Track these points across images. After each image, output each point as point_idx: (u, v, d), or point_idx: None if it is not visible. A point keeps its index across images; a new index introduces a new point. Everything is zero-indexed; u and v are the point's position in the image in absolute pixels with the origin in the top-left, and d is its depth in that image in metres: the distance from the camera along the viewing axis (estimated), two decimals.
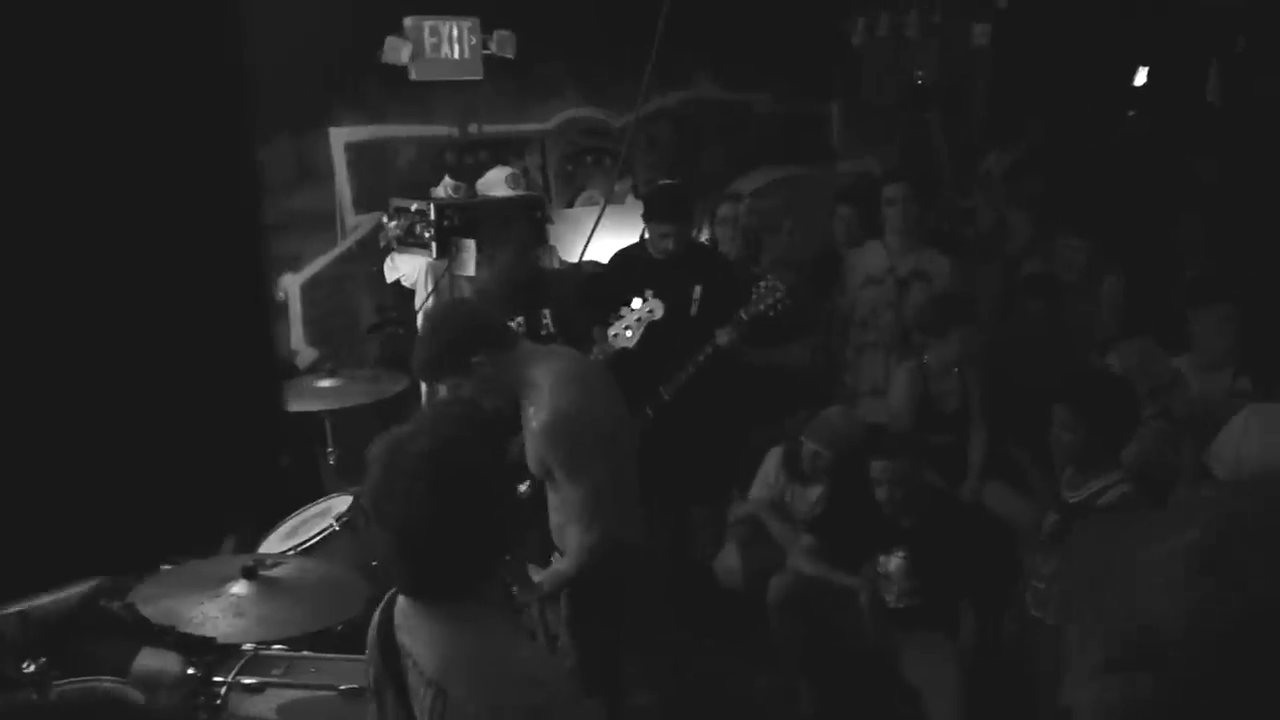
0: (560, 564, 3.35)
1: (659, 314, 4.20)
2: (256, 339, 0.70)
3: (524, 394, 3.20)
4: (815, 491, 4.68)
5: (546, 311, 4.70)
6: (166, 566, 2.78)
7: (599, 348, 4.24)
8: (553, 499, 3.33)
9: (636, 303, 4.26)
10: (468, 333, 3.11)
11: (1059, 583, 3.45)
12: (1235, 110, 6.82)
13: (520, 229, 5.02)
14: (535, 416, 3.13)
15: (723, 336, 4.38)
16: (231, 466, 0.68)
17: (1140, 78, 7.31)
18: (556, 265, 5.50)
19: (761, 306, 4.39)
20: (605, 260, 5.08)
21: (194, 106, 0.66)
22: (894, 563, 4.07)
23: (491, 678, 1.91)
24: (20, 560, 0.58)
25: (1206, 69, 7.04)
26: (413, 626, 2.00)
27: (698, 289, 4.69)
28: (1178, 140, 6.85)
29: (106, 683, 3.03)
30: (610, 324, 4.25)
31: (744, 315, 4.43)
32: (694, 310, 4.68)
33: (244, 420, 0.68)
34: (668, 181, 5.79)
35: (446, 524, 1.91)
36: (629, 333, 4.22)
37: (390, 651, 2.03)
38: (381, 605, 2.11)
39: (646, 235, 4.85)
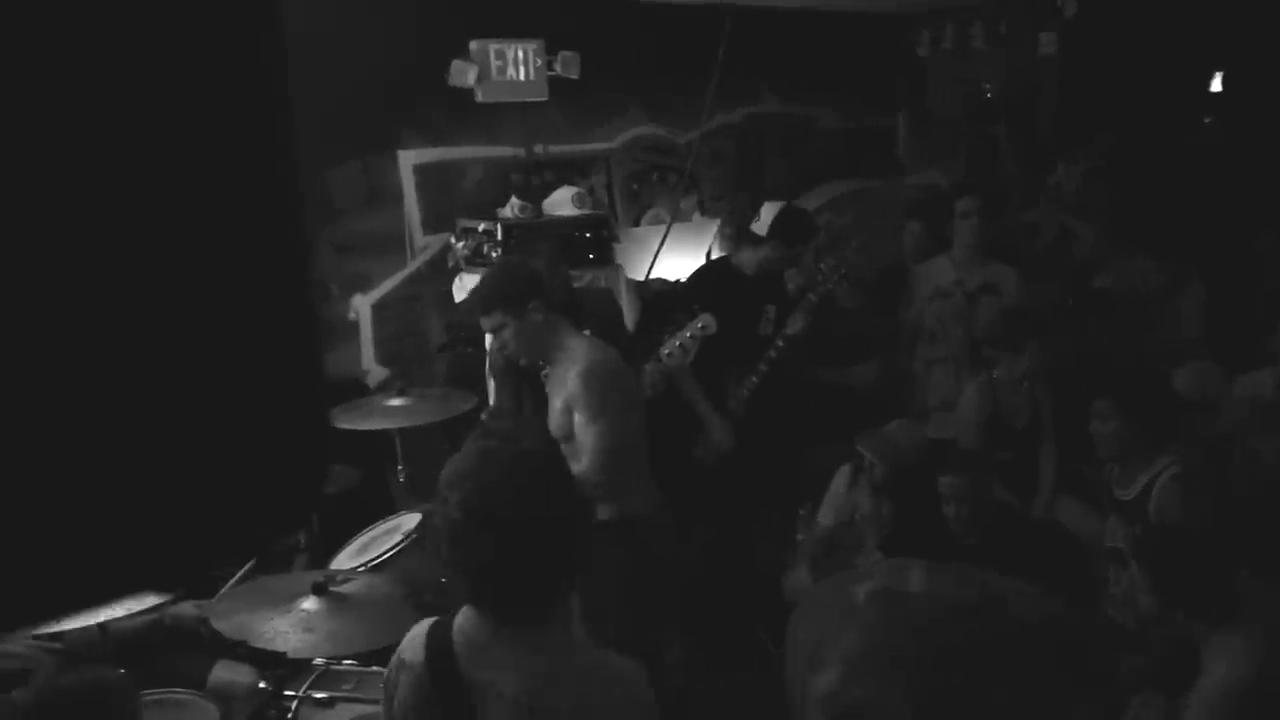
0: None
1: (712, 328, 4.21)
2: (302, 352, 0.71)
3: (554, 357, 3.50)
4: (883, 507, 4.63)
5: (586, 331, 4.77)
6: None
7: (653, 367, 4.28)
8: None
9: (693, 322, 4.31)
10: (531, 281, 3.45)
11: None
12: None
13: (549, 247, 5.06)
14: (570, 368, 3.40)
15: (794, 324, 4.44)
16: (274, 480, 0.69)
17: (1216, 84, 7.15)
18: (623, 284, 5.51)
19: (829, 285, 4.43)
20: (675, 278, 5.12)
21: (234, 118, 0.67)
22: None
23: (578, 683, 1.91)
24: (65, 575, 0.60)
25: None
26: (494, 658, 1.91)
27: (772, 309, 4.73)
28: (1256, 148, 6.70)
29: (179, 694, 3.10)
30: (663, 343, 4.29)
31: (813, 297, 4.47)
32: (766, 329, 4.72)
33: (287, 434, 0.70)
34: (794, 205, 5.76)
35: (557, 525, 1.90)
36: (682, 350, 4.23)
37: (454, 693, 1.92)
38: (427, 654, 1.95)
39: (744, 251, 4.90)
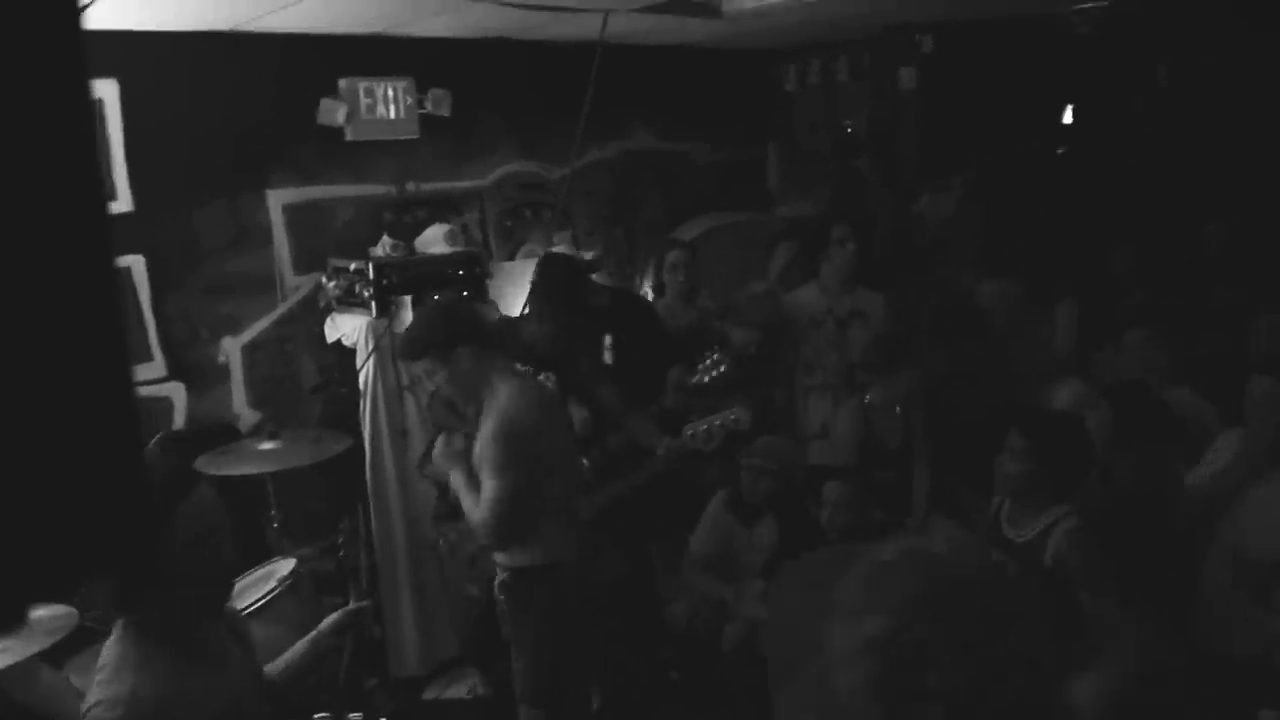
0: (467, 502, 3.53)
1: (745, 425, 4.24)
2: (113, 381, 0.69)
3: (485, 397, 3.49)
4: (763, 532, 4.68)
5: (607, 338, 4.82)
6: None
7: (668, 442, 4.28)
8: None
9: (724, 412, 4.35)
10: (461, 323, 3.50)
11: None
12: (1163, 142, 7.01)
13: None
14: (488, 420, 3.43)
15: (663, 447, 4.37)
16: (88, 517, 0.67)
17: (1068, 116, 7.48)
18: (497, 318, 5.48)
19: (706, 379, 4.46)
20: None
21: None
22: None
23: None
24: None
25: (1133, 103, 7.24)
26: None
27: (608, 337, 4.81)
28: (1106, 175, 7.01)
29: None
30: (690, 422, 4.29)
31: (691, 382, 4.50)
32: (608, 358, 4.77)
33: (90, 475, 0.67)
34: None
35: None
36: (708, 435, 4.25)
37: None
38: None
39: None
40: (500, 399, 3.44)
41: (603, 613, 3.86)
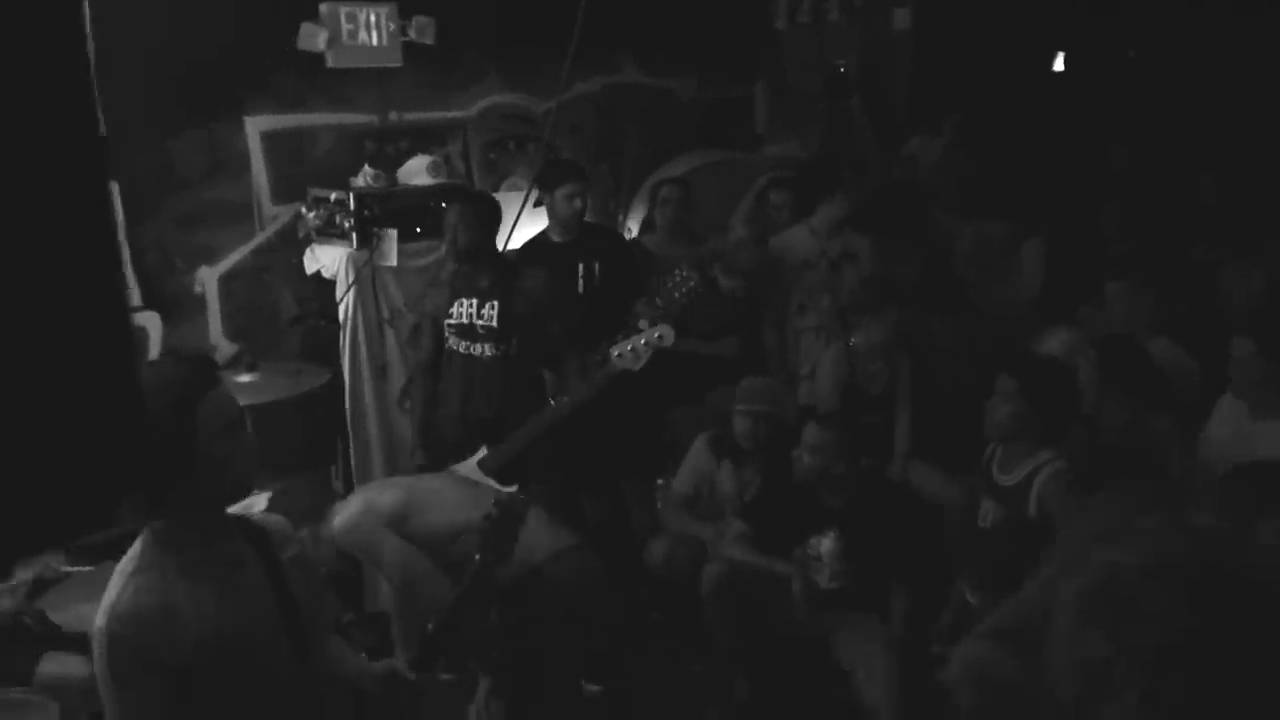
0: None
1: (669, 340, 4.13)
2: (107, 309, 0.66)
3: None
4: (748, 470, 4.66)
5: (580, 267, 4.87)
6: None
7: (600, 364, 4.17)
8: None
9: (643, 324, 4.21)
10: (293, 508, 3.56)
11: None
12: (1156, 88, 6.95)
13: None
14: None
15: (616, 350, 4.15)
16: (87, 457, 0.64)
17: (1059, 63, 7.40)
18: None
19: (676, 295, 4.34)
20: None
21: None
22: (825, 544, 4.07)
23: None
24: None
25: (1125, 54, 7.17)
26: None
27: (581, 266, 4.80)
28: (1095, 127, 6.96)
29: (15, 693, 2.93)
30: (615, 343, 4.17)
31: (658, 302, 4.39)
32: (581, 288, 4.72)
33: (97, 409, 0.64)
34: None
35: None
36: (634, 355, 4.12)
37: None
38: None
39: (549, 212, 4.95)
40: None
41: (602, 603, 3.86)
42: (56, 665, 2.89)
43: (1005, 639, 3.06)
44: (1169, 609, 1.06)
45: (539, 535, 3.58)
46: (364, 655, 2.90)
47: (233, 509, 3.92)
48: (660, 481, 5.19)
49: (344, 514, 3.53)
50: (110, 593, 2.14)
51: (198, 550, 2.23)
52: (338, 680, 2.64)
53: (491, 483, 4.00)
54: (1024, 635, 3.03)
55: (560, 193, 4.85)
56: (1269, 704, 1.05)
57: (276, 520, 2.72)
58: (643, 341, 4.07)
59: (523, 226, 5.03)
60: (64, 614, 3.03)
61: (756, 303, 5.38)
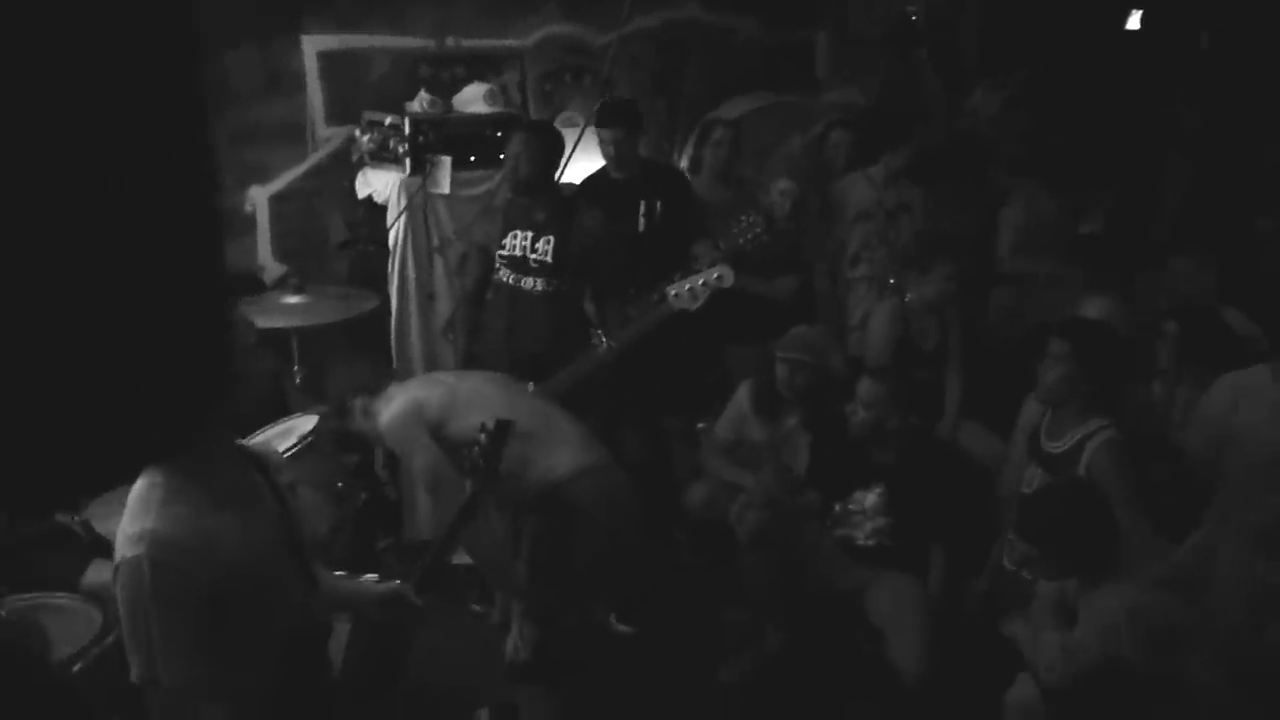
0: None
1: (729, 281, 4.07)
2: (204, 252, 0.64)
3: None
4: (784, 425, 4.61)
5: (641, 204, 4.77)
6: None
7: (656, 303, 4.14)
8: None
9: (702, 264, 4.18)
10: (345, 384, 3.74)
11: None
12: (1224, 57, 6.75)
13: None
14: None
15: (674, 290, 4.15)
16: (176, 374, 0.61)
17: (1134, 22, 7.19)
18: None
19: (741, 241, 4.27)
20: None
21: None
22: (870, 499, 4.03)
23: None
24: None
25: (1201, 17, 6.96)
26: None
27: (642, 204, 4.70)
28: (1167, 89, 6.77)
29: (61, 599, 2.96)
30: (673, 282, 4.13)
31: (721, 245, 4.33)
32: (641, 226, 4.64)
33: (189, 334, 0.62)
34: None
35: None
36: (691, 295, 4.07)
37: None
38: None
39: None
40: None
41: (631, 524, 3.84)
42: (104, 573, 2.91)
43: (1175, 586, 3.27)
44: None
45: (558, 454, 3.57)
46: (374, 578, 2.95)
47: (281, 426, 3.96)
48: (701, 425, 5.16)
49: (392, 409, 3.53)
50: (140, 522, 2.17)
51: (218, 481, 2.28)
52: (335, 603, 2.69)
53: (531, 386, 4.01)
54: (1192, 581, 3.32)
55: (602, 133, 4.77)
56: None
57: (269, 448, 2.76)
58: (701, 282, 4.03)
59: (576, 161, 4.97)
60: (109, 524, 3.04)
61: (801, 228, 5.29)
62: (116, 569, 2.18)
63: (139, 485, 2.23)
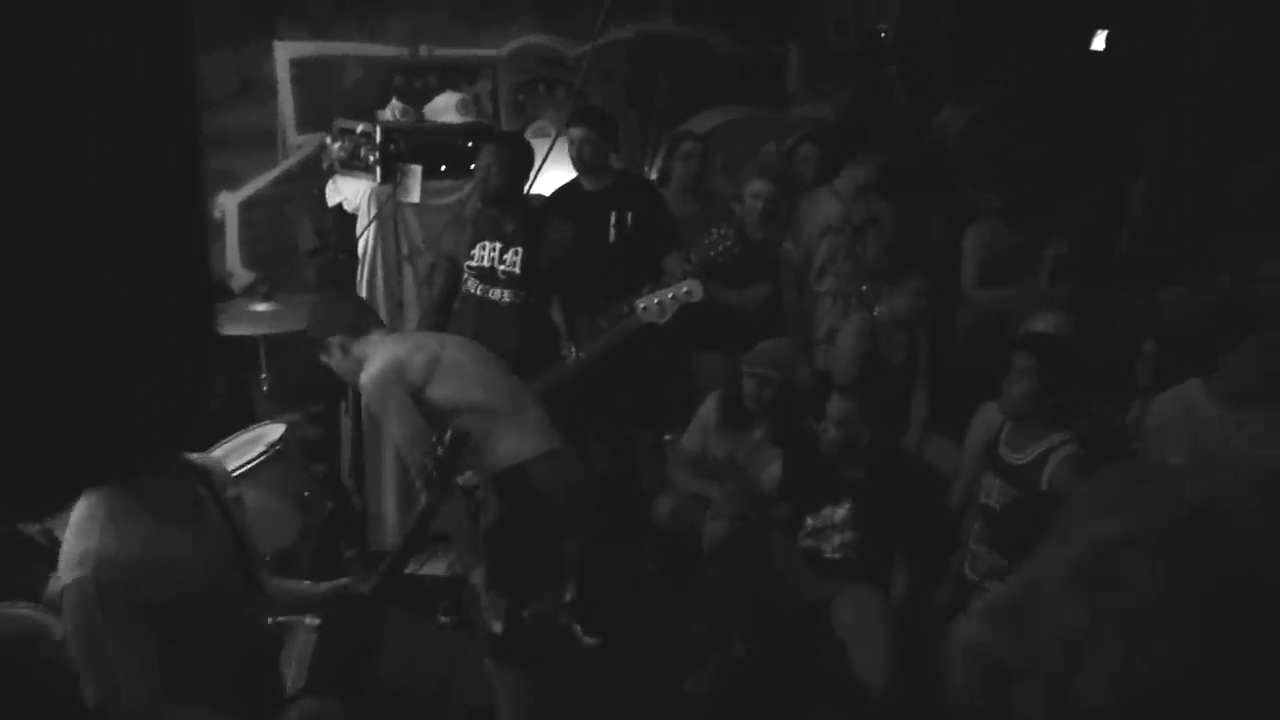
0: None
1: (697, 296, 4.10)
2: (189, 258, 0.64)
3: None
4: (750, 437, 4.63)
5: (612, 215, 4.77)
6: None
7: (625, 316, 4.16)
8: None
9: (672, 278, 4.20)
10: (330, 317, 3.64)
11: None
12: (1188, 79, 6.84)
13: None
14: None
15: (643, 303, 4.19)
16: (160, 389, 0.62)
17: (1099, 42, 7.27)
18: None
19: (712, 254, 4.29)
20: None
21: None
22: (839, 514, 4.06)
23: None
24: None
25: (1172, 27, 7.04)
26: None
27: (613, 215, 4.71)
28: (1132, 110, 6.85)
29: (22, 608, 2.93)
30: (642, 295, 4.15)
31: (692, 259, 4.35)
32: (613, 236, 4.66)
33: (173, 342, 0.63)
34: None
35: None
36: (659, 309, 4.09)
37: None
38: None
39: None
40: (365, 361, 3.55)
41: (587, 507, 3.81)
42: None
43: (1000, 618, 3.08)
44: (1149, 575, 1.03)
45: (525, 436, 3.56)
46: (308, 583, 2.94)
47: (248, 435, 3.94)
48: (668, 437, 5.17)
49: (374, 365, 3.48)
50: (84, 542, 2.14)
51: (163, 495, 2.27)
52: (283, 607, 2.68)
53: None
54: (1019, 613, 3.10)
55: (572, 132, 4.76)
56: (1252, 677, 1.02)
57: (214, 460, 2.74)
58: (670, 295, 4.05)
59: (547, 172, 4.98)
60: None
61: (775, 229, 5.32)
62: (62, 594, 2.15)
63: (81, 504, 2.21)
